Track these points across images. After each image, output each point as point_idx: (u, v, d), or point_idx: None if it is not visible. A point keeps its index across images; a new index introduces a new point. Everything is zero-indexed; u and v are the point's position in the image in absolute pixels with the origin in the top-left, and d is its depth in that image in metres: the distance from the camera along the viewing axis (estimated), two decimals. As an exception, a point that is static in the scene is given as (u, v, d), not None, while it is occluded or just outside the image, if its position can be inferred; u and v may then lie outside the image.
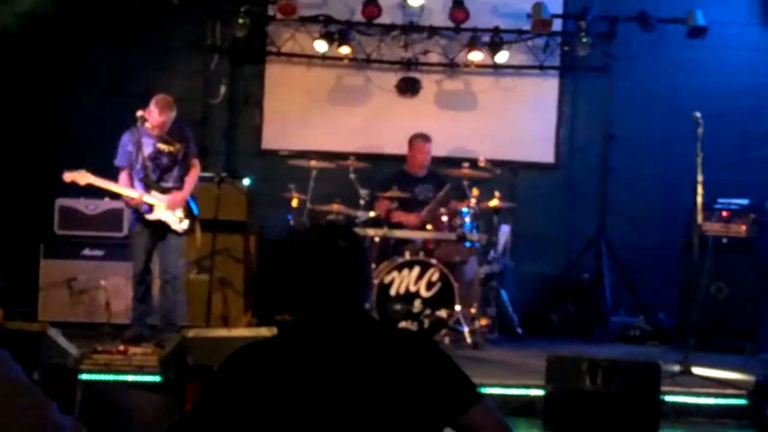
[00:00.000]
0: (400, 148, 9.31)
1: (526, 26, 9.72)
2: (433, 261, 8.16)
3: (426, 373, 2.56)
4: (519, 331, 9.06)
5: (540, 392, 6.34)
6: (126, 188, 7.64)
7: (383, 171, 9.22)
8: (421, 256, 8.26)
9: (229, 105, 10.03)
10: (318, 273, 2.62)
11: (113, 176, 7.67)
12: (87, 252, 8.74)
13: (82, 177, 7.48)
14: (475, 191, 8.39)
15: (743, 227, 8.86)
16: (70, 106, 9.58)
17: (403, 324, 7.96)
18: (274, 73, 10.16)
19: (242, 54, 10.07)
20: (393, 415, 2.50)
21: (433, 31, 9.86)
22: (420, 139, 9.12)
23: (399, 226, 8.61)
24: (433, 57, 10.02)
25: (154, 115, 7.54)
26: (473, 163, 8.62)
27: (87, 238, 8.77)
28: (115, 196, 7.93)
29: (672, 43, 9.64)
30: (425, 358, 2.60)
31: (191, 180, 7.81)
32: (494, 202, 8.60)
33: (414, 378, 2.54)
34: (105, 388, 6.30)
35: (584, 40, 9.50)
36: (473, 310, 8.44)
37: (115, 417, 4.25)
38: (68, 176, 7.50)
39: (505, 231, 9.14)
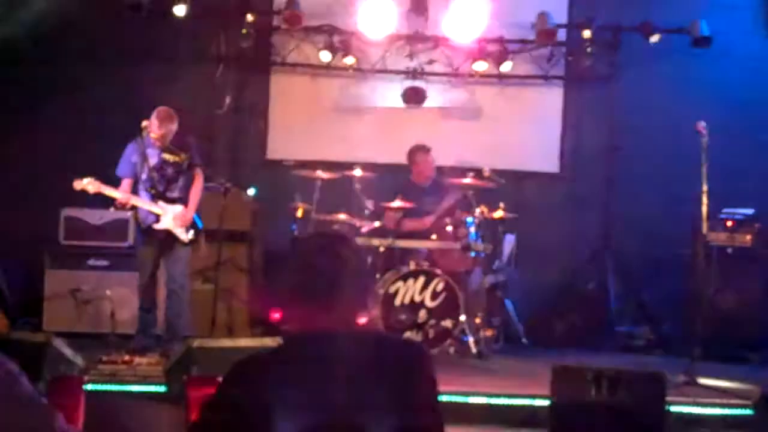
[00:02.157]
0: (405, 157, 9.29)
1: (531, 36, 9.73)
2: (438, 271, 8.16)
3: (409, 395, 2.57)
4: (524, 340, 9.06)
5: (545, 402, 6.32)
6: (133, 197, 7.66)
7: (388, 181, 9.21)
8: (426, 265, 8.26)
9: (234, 115, 10.05)
10: (319, 281, 2.62)
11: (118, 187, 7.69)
12: (92, 262, 8.75)
13: (92, 185, 7.49)
14: (484, 209, 8.38)
15: (748, 237, 8.86)
16: (77, 117, 9.60)
17: (408, 334, 7.95)
18: (279, 83, 10.18)
19: (247, 64, 10.09)
20: (379, 428, 2.51)
21: (438, 40, 9.88)
22: (421, 152, 9.08)
23: (408, 235, 8.61)
24: (438, 66, 10.04)
25: (154, 128, 7.55)
26: (478, 172, 8.62)
27: (92, 248, 8.78)
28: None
29: (676, 52, 9.65)
30: (414, 378, 2.61)
31: (196, 193, 7.79)
32: (499, 213, 8.59)
33: (398, 397, 2.55)
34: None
35: (588, 50, 9.52)
36: (478, 320, 8.44)
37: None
38: (78, 184, 7.51)
39: (510, 240, 9.14)
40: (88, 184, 7.49)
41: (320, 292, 2.61)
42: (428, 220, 8.66)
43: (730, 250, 8.80)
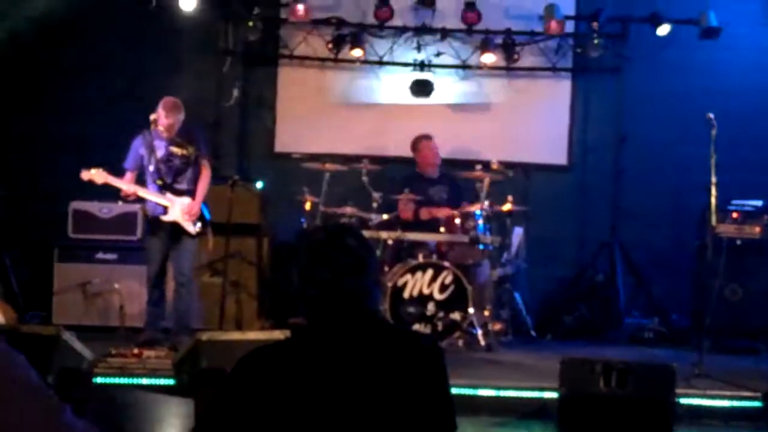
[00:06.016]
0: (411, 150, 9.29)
1: (539, 28, 9.71)
2: (447, 263, 8.15)
3: (419, 387, 2.56)
4: (533, 333, 9.05)
5: (554, 395, 6.31)
6: (140, 188, 7.66)
7: (396, 173, 9.21)
8: (434, 258, 8.25)
9: (241, 108, 10.04)
10: (328, 273, 2.61)
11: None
12: (101, 255, 8.76)
13: (99, 176, 7.51)
14: (495, 202, 8.40)
15: (757, 229, 8.84)
16: (84, 109, 9.61)
17: (416, 327, 7.94)
18: (287, 75, 10.17)
19: (255, 57, 10.09)
20: (390, 420, 2.51)
21: (446, 33, 9.86)
22: (424, 139, 9.12)
23: (417, 227, 8.58)
24: (446, 59, 10.02)
25: (161, 118, 7.55)
26: (486, 165, 8.61)
27: (101, 241, 8.79)
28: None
29: (684, 43, 9.62)
30: (424, 371, 2.59)
31: (203, 184, 7.79)
32: (507, 206, 8.58)
33: (409, 389, 2.54)
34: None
35: (596, 41, 9.49)
36: (487, 313, 8.43)
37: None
38: (85, 175, 7.53)
39: (518, 233, 9.12)
40: (95, 175, 7.51)
41: (328, 284, 2.60)
42: (446, 211, 8.61)
43: (739, 242, 8.78)
